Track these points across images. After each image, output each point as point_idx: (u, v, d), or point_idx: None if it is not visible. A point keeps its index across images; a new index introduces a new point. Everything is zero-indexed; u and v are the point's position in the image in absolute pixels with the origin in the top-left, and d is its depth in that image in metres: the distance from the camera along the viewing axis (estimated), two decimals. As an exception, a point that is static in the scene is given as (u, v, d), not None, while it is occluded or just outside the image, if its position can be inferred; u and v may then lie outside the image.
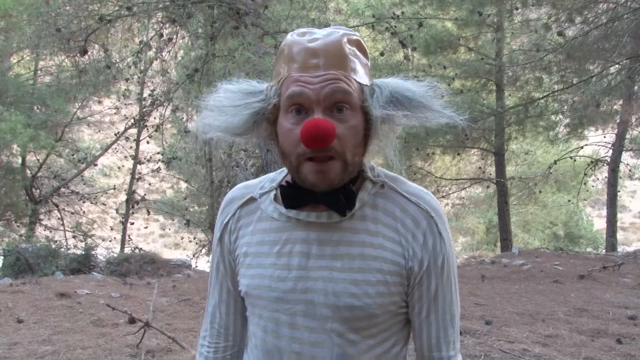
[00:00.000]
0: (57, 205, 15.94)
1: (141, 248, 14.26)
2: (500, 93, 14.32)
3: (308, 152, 1.07)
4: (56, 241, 13.10)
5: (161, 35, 9.24)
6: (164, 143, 14.87)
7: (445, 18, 13.32)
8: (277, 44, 7.25)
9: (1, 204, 15.04)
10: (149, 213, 16.26)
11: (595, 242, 20.95)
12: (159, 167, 15.61)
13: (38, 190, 15.71)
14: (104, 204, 17.77)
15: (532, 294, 7.18)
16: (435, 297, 1.16)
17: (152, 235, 26.94)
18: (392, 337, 1.17)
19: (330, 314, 1.12)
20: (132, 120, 13.95)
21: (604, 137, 15.82)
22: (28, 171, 15.66)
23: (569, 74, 12.06)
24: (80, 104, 15.53)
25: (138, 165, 16.83)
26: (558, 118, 14.56)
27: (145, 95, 14.18)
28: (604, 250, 15.50)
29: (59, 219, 16.09)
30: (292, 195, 1.15)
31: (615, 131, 15.10)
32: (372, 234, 1.14)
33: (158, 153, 15.07)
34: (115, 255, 12.43)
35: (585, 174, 14.89)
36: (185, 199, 17.25)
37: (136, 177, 17.09)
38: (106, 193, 18.13)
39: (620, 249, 16.14)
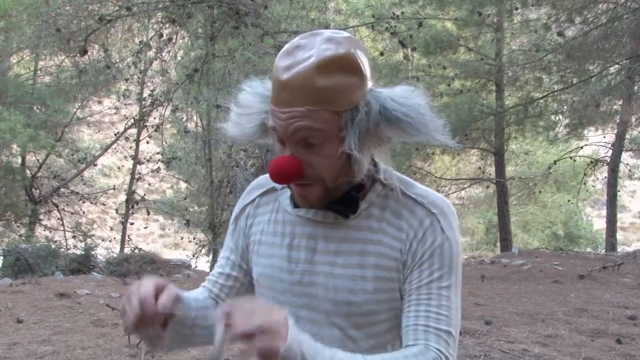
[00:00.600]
0: (56, 206, 15.94)
1: (141, 248, 14.26)
2: (500, 93, 14.32)
3: None
4: (56, 241, 13.10)
5: (161, 36, 9.24)
6: (164, 143, 14.88)
7: (445, 18, 13.31)
8: (276, 44, 7.26)
9: (1, 204, 15.04)
10: (148, 213, 16.28)
11: (595, 242, 20.95)
12: (158, 167, 15.61)
13: (38, 190, 15.70)
14: (103, 204, 17.76)
15: (532, 294, 7.18)
16: (428, 290, 1.12)
17: (152, 236, 26.94)
18: (396, 341, 1.17)
19: (332, 309, 1.14)
20: (132, 121, 13.96)
21: (604, 137, 15.83)
22: (28, 171, 15.65)
23: (569, 74, 12.06)
24: (80, 104, 15.53)
25: (138, 166, 16.83)
26: (558, 118, 14.56)
27: (145, 95, 14.19)
28: (603, 250, 15.49)
29: (58, 219, 16.09)
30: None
31: (615, 131, 15.10)
32: (373, 231, 1.15)
33: (158, 153, 15.07)
34: (115, 255, 12.43)
35: (585, 174, 14.90)
36: (185, 199, 17.25)
37: (136, 177, 17.08)
38: (106, 193, 18.12)
39: (620, 249, 16.14)
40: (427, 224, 1.14)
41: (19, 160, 15.72)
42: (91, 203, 16.83)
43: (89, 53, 9.31)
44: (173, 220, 19.27)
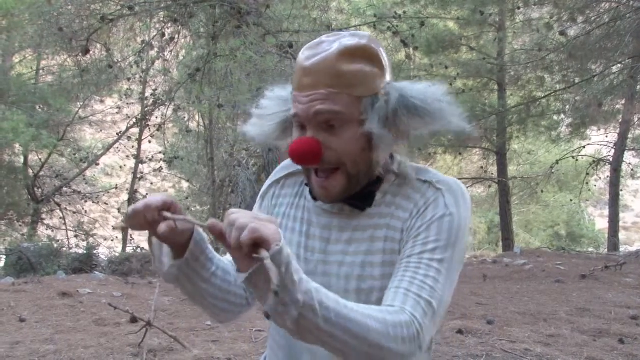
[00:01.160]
0: (59, 205, 15.97)
1: (143, 247, 14.26)
2: (502, 92, 14.31)
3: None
4: (58, 240, 13.12)
5: (163, 35, 9.24)
6: (166, 142, 14.89)
7: (447, 17, 13.31)
8: (278, 43, 7.25)
9: (3, 204, 15.07)
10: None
11: (597, 241, 20.94)
12: (160, 167, 15.64)
13: (40, 190, 15.74)
14: (105, 204, 17.80)
15: (534, 294, 7.17)
16: (419, 259, 1.08)
17: (154, 235, 26.90)
18: None
19: (343, 297, 1.12)
20: (134, 120, 13.98)
21: (606, 136, 15.79)
22: (30, 170, 15.68)
23: (571, 74, 12.05)
24: (82, 104, 15.56)
25: (140, 165, 16.85)
26: (560, 118, 14.54)
27: (147, 94, 14.18)
28: (606, 250, 15.47)
29: (61, 218, 16.12)
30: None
31: (618, 131, 15.07)
32: (383, 216, 1.16)
33: (160, 152, 15.10)
34: (117, 254, 12.45)
35: (587, 174, 14.87)
36: (187, 198, 17.26)
37: (138, 176, 17.10)
38: (108, 192, 18.16)
39: (622, 248, 16.12)
40: (431, 200, 1.13)
41: (22, 159, 15.75)
42: (93, 202, 16.87)
43: (91, 52, 9.32)
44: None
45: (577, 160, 15.00)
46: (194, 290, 1.17)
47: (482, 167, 16.59)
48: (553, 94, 12.88)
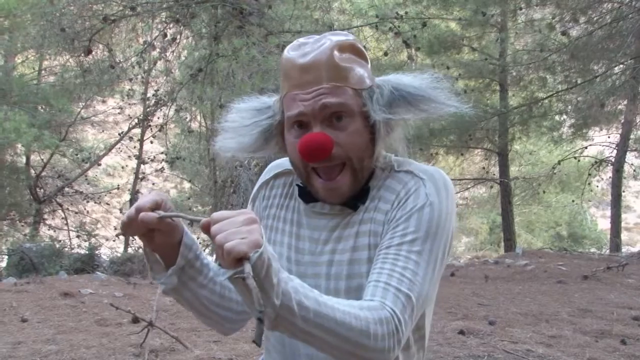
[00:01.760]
0: (61, 205, 15.98)
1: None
2: (504, 93, 14.29)
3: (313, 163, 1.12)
4: (60, 241, 13.14)
5: (165, 35, 9.25)
6: (168, 143, 14.89)
7: (448, 18, 13.29)
8: (280, 43, 7.25)
9: (5, 204, 15.08)
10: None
11: (599, 242, 20.89)
12: (162, 167, 15.64)
13: (42, 190, 15.74)
14: (107, 204, 17.81)
15: (536, 295, 7.16)
16: (397, 250, 1.06)
17: (156, 235, 26.92)
18: None
19: (333, 297, 1.12)
20: (136, 120, 14.01)
21: (608, 137, 15.76)
22: (32, 171, 15.70)
23: (573, 74, 12.03)
24: (84, 104, 15.57)
25: (142, 165, 16.85)
26: (562, 118, 14.52)
27: (149, 95, 14.19)
28: (608, 251, 15.45)
29: (62, 218, 16.13)
30: (308, 194, 1.20)
31: (620, 131, 15.04)
32: (368, 210, 1.15)
33: (162, 153, 15.09)
34: (118, 254, 12.45)
35: (589, 174, 14.84)
36: (189, 198, 17.27)
37: (140, 176, 17.10)
38: (110, 193, 18.17)
39: (624, 249, 16.08)
40: (412, 190, 1.12)
41: (24, 159, 15.77)
42: (95, 202, 16.88)
43: (93, 53, 9.33)
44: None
45: (579, 160, 14.98)
46: (194, 299, 1.16)
47: (483, 168, 16.57)
48: (555, 95, 12.86)
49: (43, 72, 15.84)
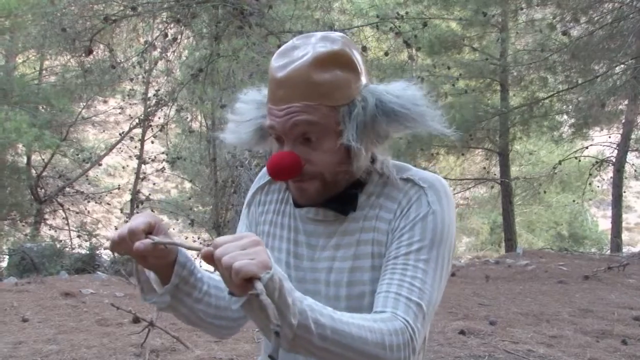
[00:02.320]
0: (61, 205, 15.98)
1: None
2: (504, 93, 14.29)
3: None
4: (61, 241, 13.14)
5: (166, 35, 9.26)
6: (169, 143, 14.88)
7: (449, 18, 13.29)
8: (281, 44, 7.25)
9: (6, 204, 15.08)
10: (153, 212, 16.25)
11: (600, 242, 20.88)
12: (163, 167, 15.64)
13: (43, 190, 15.75)
14: (108, 204, 17.80)
15: (537, 295, 7.16)
16: (405, 260, 1.07)
17: (157, 235, 26.91)
18: None
19: (334, 304, 1.11)
20: (137, 120, 14.02)
21: (609, 137, 15.76)
22: (33, 171, 15.71)
23: (574, 74, 12.03)
24: (85, 104, 15.58)
25: (142, 165, 16.85)
26: (563, 118, 14.52)
27: (149, 95, 14.19)
28: (608, 251, 15.44)
29: (63, 218, 16.13)
30: None
31: (621, 131, 15.05)
32: (369, 219, 1.14)
33: (162, 153, 15.09)
34: (119, 255, 12.44)
35: (590, 174, 14.84)
36: (190, 198, 17.26)
37: (140, 176, 17.10)
38: (111, 193, 18.16)
39: (625, 249, 16.08)
40: (414, 199, 1.12)
41: (24, 159, 15.78)
42: (96, 202, 16.87)
43: (94, 53, 9.34)
44: (177, 220, 19.28)
45: (579, 160, 14.98)
46: (190, 314, 1.15)
47: (484, 168, 16.57)
48: (556, 95, 12.86)
49: (44, 72, 15.85)
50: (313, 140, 1.08)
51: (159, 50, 10.17)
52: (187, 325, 1.21)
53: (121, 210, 17.52)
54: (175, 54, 10.43)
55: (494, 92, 14.99)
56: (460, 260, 12.95)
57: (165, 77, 11.91)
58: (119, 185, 18.07)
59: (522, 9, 11.43)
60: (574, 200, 17.64)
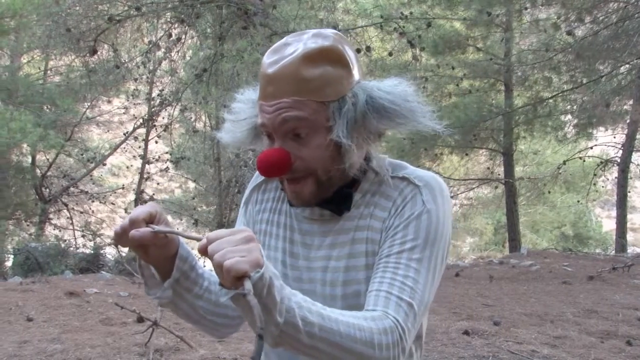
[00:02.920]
0: (66, 205, 16.04)
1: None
2: (508, 93, 14.25)
3: None
4: (65, 240, 13.18)
5: (170, 35, 9.28)
6: (173, 143, 14.94)
7: (453, 18, 13.26)
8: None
9: (11, 203, 15.14)
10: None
11: (604, 243, 20.81)
12: (167, 167, 15.68)
13: (47, 190, 15.80)
14: (112, 204, 17.85)
15: (541, 295, 7.15)
16: (397, 259, 1.06)
17: (161, 235, 26.95)
18: None
19: (330, 303, 1.10)
20: (141, 120, 14.03)
21: (614, 137, 15.71)
22: (38, 170, 15.76)
23: (579, 74, 11.99)
24: (89, 104, 15.63)
25: (147, 165, 16.90)
26: (567, 118, 14.47)
27: (154, 95, 14.23)
28: (613, 251, 15.39)
29: (68, 218, 16.19)
30: None
31: (625, 131, 14.99)
32: (364, 217, 1.14)
33: (166, 153, 15.14)
34: (123, 254, 12.47)
35: (594, 175, 14.79)
36: (194, 198, 17.30)
37: (145, 176, 17.16)
38: (115, 192, 18.21)
39: (630, 250, 16.03)
40: (409, 197, 1.11)
41: (29, 159, 15.83)
42: (100, 202, 16.93)
43: (98, 53, 9.37)
44: (181, 220, 19.33)
45: (584, 161, 14.94)
46: (191, 310, 1.15)
47: (488, 168, 16.54)
48: (560, 95, 12.82)
49: (49, 72, 15.91)
50: (303, 136, 1.07)
51: (163, 50, 10.18)
52: (189, 323, 1.22)
53: (125, 210, 17.57)
54: (180, 54, 10.45)
55: (498, 92, 14.95)
56: (464, 261, 12.93)
57: (170, 77, 11.93)
58: (123, 185, 18.12)
59: (526, 8, 11.41)
60: (578, 201, 17.60)
